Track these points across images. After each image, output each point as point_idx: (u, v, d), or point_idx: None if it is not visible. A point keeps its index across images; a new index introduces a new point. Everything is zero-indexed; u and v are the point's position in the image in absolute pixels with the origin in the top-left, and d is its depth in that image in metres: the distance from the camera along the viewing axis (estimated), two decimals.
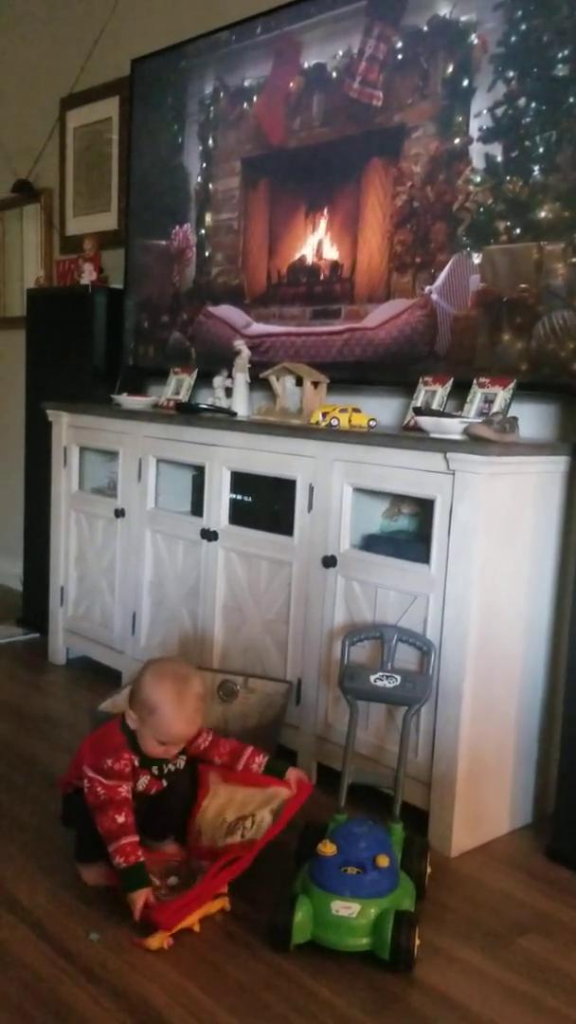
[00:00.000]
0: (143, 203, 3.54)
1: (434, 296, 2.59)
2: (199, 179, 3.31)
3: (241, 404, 2.91)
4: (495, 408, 2.34)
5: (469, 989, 1.71)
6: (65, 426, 3.36)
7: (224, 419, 2.79)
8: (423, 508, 2.41)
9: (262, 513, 2.66)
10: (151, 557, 3.00)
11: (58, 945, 1.77)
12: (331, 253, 2.88)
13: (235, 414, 2.87)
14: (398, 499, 2.51)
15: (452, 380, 2.51)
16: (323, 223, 2.90)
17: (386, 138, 2.69)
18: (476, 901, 2.00)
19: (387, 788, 2.14)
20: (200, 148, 3.29)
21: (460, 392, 2.47)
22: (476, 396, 2.41)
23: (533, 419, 2.44)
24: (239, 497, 2.73)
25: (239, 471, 2.69)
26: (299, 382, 2.75)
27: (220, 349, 3.20)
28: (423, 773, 2.21)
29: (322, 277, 2.91)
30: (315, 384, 2.72)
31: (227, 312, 3.23)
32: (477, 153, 2.46)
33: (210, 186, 3.27)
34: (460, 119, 2.49)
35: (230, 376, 2.96)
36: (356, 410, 2.53)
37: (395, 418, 2.78)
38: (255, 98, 3.09)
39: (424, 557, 2.21)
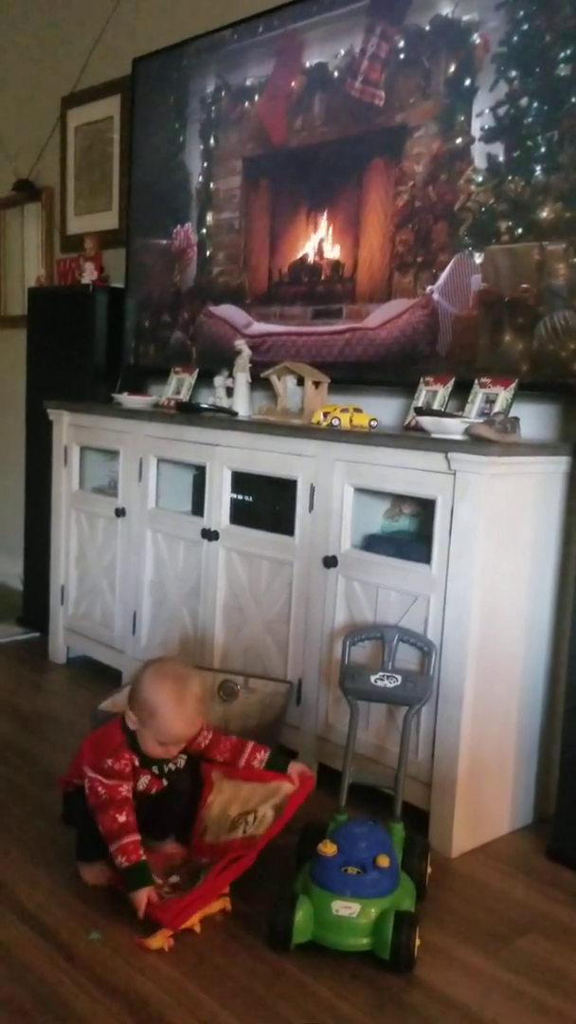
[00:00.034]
0: (144, 202, 3.53)
1: (435, 296, 2.59)
2: (200, 178, 3.31)
3: (242, 404, 2.91)
4: (496, 408, 2.34)
5: (469, 989, 1.71)
6: (66, 425, 3.35)
7: (225, 419, 2.79)
8: (424, 508, 2.41)
9: (263, 513, 2.66)
10: (152, 557, 3.00)
11: (58, 944, 1.77)
12: (332, 253, 2.88)
13: (236, 414, 2.86)
14: (399, 499, 2.50)
15: (453, 380, 2.50)
16: (324, 222, 2.90)
17: (388, 137, 2.69)
18: (476, 901, 2.00)
19: (388, 788, 2.14)
20: (201, 147, 3.29)
21: (461, 392, 2.47)
22: (477, 396, 2.41)
23: (534, 419, 2.43)
24: (240, 497, 2.73)
25: (240, 471, 2.69)
26: (300, 382, 2.75)
27: (221, 349, 3.19)
28: (424, 773, 2.21)
29: (323, 277, 2.91)
30: (316, 384, 2.72)
31: (228, 311, 3.23)
32: (479, 153, 2.46)
33: (211, 185, 3.27)
34: (462, 119, 2.49)
35: (231, 376, 2.95)
36: (357, 410, 2.53)
37: (396, 418, 2.78)
38: (257, 97, 3.09)
39: (425, 557, 2.21)
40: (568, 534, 2.32)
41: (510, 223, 2.40)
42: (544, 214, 2.33)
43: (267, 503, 2.66)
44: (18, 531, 4.05)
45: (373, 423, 2.53)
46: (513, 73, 2.38)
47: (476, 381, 2.43)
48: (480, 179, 2.46)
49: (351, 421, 2.50)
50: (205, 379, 3.18)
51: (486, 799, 2.24)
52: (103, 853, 1.89)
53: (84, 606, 3.32)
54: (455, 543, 2.12)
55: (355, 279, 2.81)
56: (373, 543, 2.45)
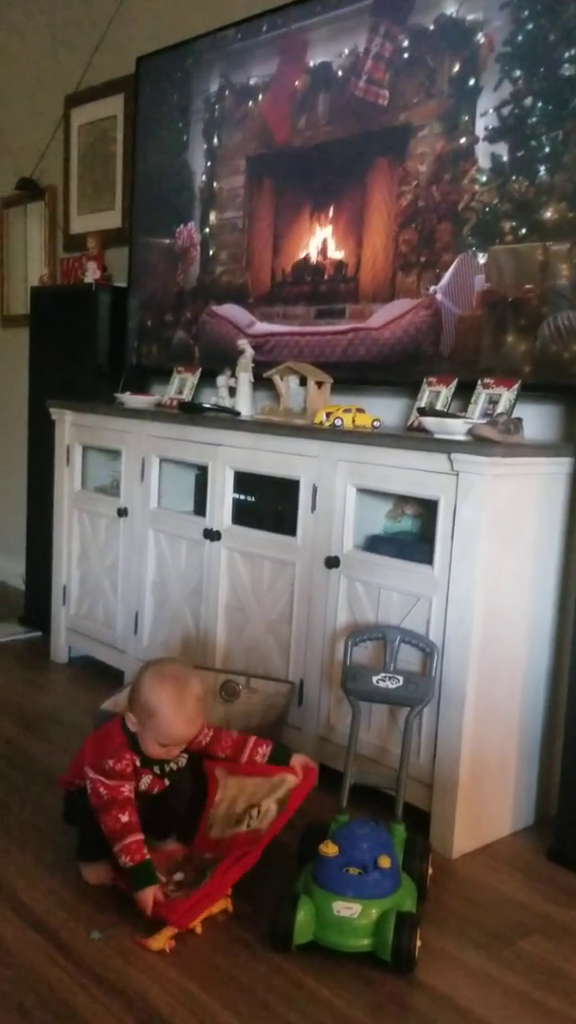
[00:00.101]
0: (147, 201, 3.53)
1: (439, 296, 2.58)
2: (204, 177, 3.30)
3: (244, 404, 2.91)
4: (499, 409, 2.34)
5: (470, 991, 1.71)
6: (68, 425, 3.35)
7: (227, 419, 2.79)
8: (426, 509, 2.40)
9: (265, 513, 2.66)
10: (154, 557, 3.00)
11: (59, 944, 1.77)
12: (336, 252, 2.88)
13: (238, 414, 2.86)
14: (401, 500, 2.50)
15: (456, 381, 2.50)
16: (328, 222, 2.89)
17: (392, 137, 2.69)
18: (478, 902, 2.00)
19: (389, 789, 2.13)
20: (205, 146, 3.29)
21: (464, 393, 2.47)
22: (480, 397, 2.40)
23: (537, 420, 2.43)
24: (242, 497, 2.72)
25: (242, 471, 2.69)
26: (303, 382, 2.74)
27: (224, 348, 3.19)
28: (425, 774, 2.21)
29: (326, 276, 2.90)
30: (319, 384, 2.71)
31: (231, 311, 3.23)
32: (483, 152, 2.46)
33: (215, 185, 3.26)
34: (466, 118, 2.49)
35: (234, 375, 2.95)
36: (360, 410, 2.53)
37: (399, 418, 2.78)
38: (260, 96, 3.08)
39: (427, 558, 2.21)
40: (571, 535, 2.32)
41: (514, 223, 2.40)
42: (548, 214, 2.32)
43: (269, 503, 2.66)
44: (20, 531, 4.05)
45: (376, 423, 2.53)
46: (517, 73, 2.37)
47: (479, 382, 2.43)
48: (484, 179, 2.46)
49: (354, 421, 2.50)
50: (208, 379, 3.18)
51: (487, 800, 2.24)
52: (104, 853, 1.89)
53: (86, 606, 3.32)
54: (457, 544, 2.12)
55: (358, 279, 2.81)
56: (375, 544, 2.44)
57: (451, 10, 2.52)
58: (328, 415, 2.51)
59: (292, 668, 2.53)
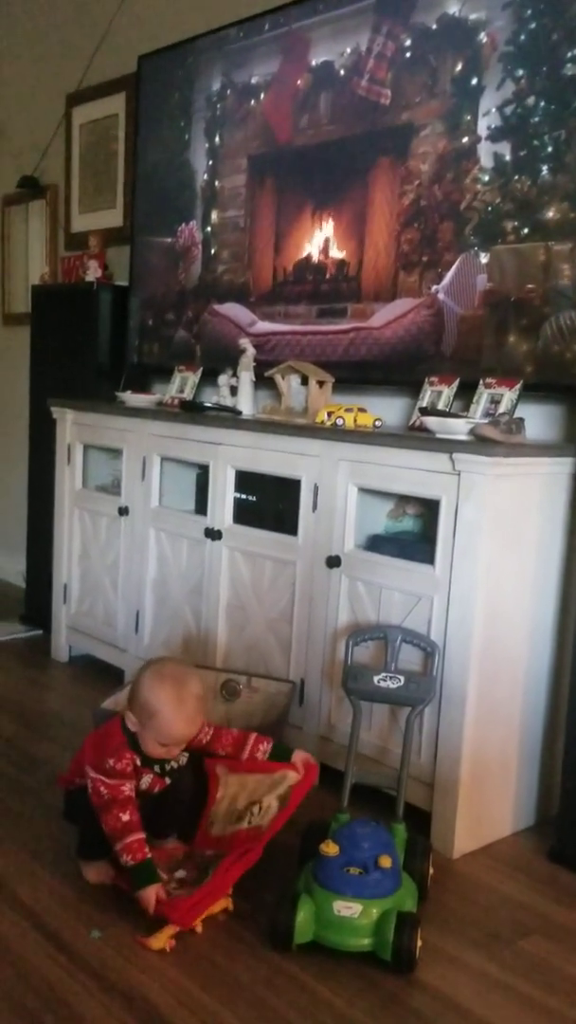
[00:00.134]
0: (149, 200, 3.53)
1: (441, 296, 2.58)
2: (205, 176, 3.30)
3: (246, 403, 2.90)
4: (501, 409, 2.33)
5: (470, 991, 1.70)
6: (69, 423, 3.35)
7: (229, 418, 2.79)
8: (428, 509, 2.40)
9: (266, 512, 2.66)
10: (155, 555, 2.99)
11: (59, 942, 1.77)
12: (337, 252, 2.87)
13: (240, 413, 2.86)
14: (403, 499, 2.50)
15: (458, 380, 2.50)
16: (330, 221, 2.89)
17: (394, 136, 2.68)
18: (478, 903, 2.00)
19: (390, 789, 2.13)
20: (207, 145, 3.29)
21: (466, 392, 2.47)
22: (482, 397, 2.40)
23: (539, 420, 2.43)
24: (243, 496, 2.72)
25: (243, 470, 2.69)
26: (304, 381, 2.74)
27: (225, 347, 3.19)
28: (426, 774, 2.21)
29: (328, 276, 2.90)
30: (320, 383, 2.71)
31: (232, 310, 3.23)
32: (485, 152, 2.46)
33: (216, 183, 3.26)
34: (468, 118, 2.49)
35: (235, 374, 2.95)
36: (361, 409, 2.53)
37: (400, 418, 2.77)
38: (262, 95, 3.08)
39: (429, 558, 2.21)
40: (572, 535, 2.32)
41: (516, 223, 2.39)
42: (550, 214, 2.32)
43: (270, 502, 2.66)
44: (21, 529, 4.05)
45: (377, 423, 2.53)
46: (520, 72, 2.37)
47: (481, 381, 2.42)
48: (486, 178, 2.46)
49: (355, 421, 2.50)
50: (209, 378, 3.18)
51: (488, 800, 2.24)
52: (105, 851, 1.89)
53: (87, 604, 3.32)
54: (459, 544, 2.12)
55: (360, 278, 2.80)
56: (377, 543, 2.44)
57: (454, 9, 2.51)
58: (329, 414, 2.50)
59: (293, 667, 2.53)
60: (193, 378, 3.26)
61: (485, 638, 2.13)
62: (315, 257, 2.94)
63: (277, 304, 3.07)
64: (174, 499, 3.04)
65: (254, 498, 2.71)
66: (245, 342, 2.94)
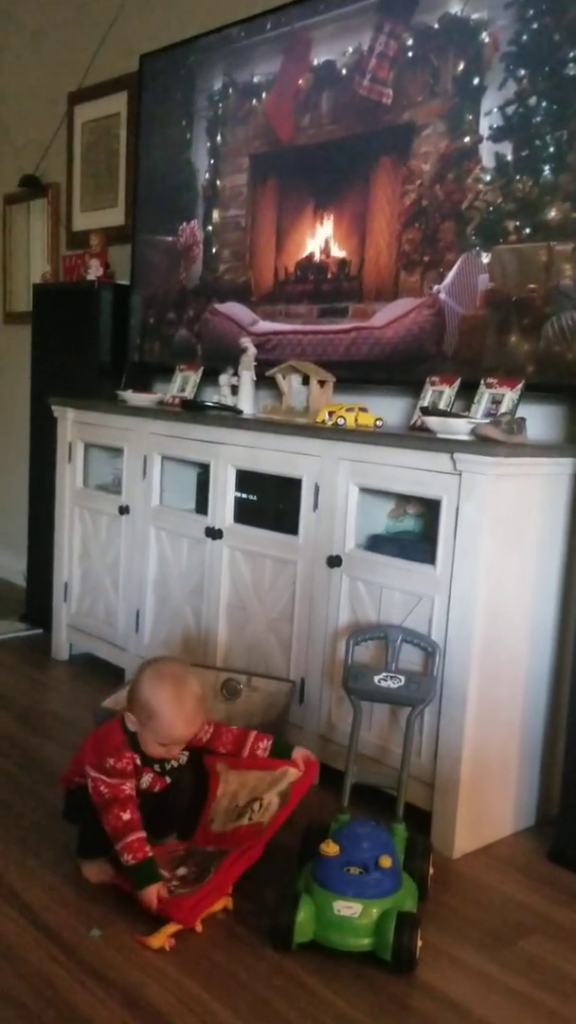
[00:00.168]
0: (150, 199, 3.53)
1: (442, 295, 2.58)
2: (207, 175, 3.30)
3: (247, 402, 2.90)
4: (502, 409, 2.33)
5: (471, 991, 1.70)
6: (70, 422, 3.35)
7: (230, 417, 2.79)
8: (429, 509, 2.40)
9: (267, 512, 2.66)
10: (155, 554, 2.99)
11: (59, 941, 1.77)
12: (339, 251, 2.87)
13: (241, 412, 2.86)
14: (404, 499, 2.50)
15: (459, 380, 2.50)
16: (331, 221, 2.89)
17: (395, 136, 2.68)
18: (478, 903, 2.00)
19: (390, 789, 2.13)
20: (208, 144, 3.29)
21: (467, 392, 2.47)
22: (483, 396, 2.40)
23: (540, 420, 2.43)
24: (244, 495, 2.72)
25: (244, 469, 2.69)
26: (305, 380, 2.74)
27: (226, 346, 3.19)
28: (426, 774, 2.21)
29: (329, 275, 2.90)
30: (321, 383, 2.71)
31: (233, 309, 3.23)
32: (487, 152, 2.45)
33: (218, 182, 3.26)
34: (470, 117, 2.48)
35: (236, 374, 2.95)
36: (362, 409, 2.53)
37: (402, 418, 2.77)
38: (264, 95, 3.08)
39: (429, 558, 2.21)
40: (573, 535, 2.32)
41: (518, 223, 2.39)
42: (552, 214, 2.32)
43: (271, 502, 2.66)
44: (22, 528, 4.05)
45: (378, 423, 2.53)
46: (522, 72, 2.37)
47: (482, 381, 2.42)
48: (488, 178, 2.46)
49: (356, 420, 2.50)
50: (210, 377, 3.18)
51: (489, 800, 2.24)
52: (105, 850, 1.89)
53: (87, 603, 3.32)
54: (460, 544, 2.12)
55: (361, 278, 2.80)
56: (377, 543, 2.44)
57: (456, 9, 2.51)
58: (330, 414, 2.50)
59: (293, 667, 2.53)
60: (194, 377, 3.26)
61: (486, 638, 2.13)
62: (316, 256, 2.94)
63: (278, 303, 3.07)
64: (175, 498, 3.04)
65: (255, 497, 2.71)
66: (246, 341, 2.94)
